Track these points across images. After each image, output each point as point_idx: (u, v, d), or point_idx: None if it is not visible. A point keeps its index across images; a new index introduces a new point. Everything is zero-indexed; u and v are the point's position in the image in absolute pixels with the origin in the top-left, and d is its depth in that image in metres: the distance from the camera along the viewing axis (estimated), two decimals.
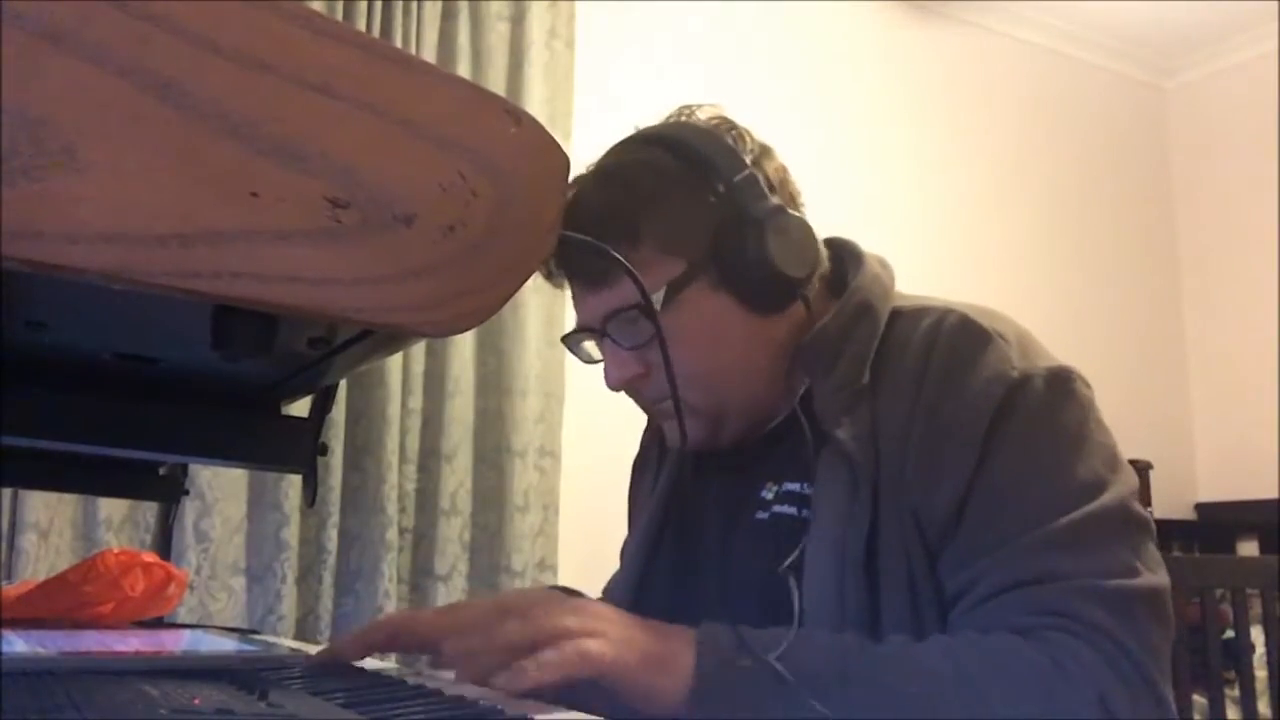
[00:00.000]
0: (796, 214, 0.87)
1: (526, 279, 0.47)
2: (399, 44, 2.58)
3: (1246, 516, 3.54)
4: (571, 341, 0.94)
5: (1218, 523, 3.66)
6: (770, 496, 0.90)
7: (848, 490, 0.82)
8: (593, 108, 2.84)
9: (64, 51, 0.35)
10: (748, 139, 0.90)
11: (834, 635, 0.77)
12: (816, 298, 0.91)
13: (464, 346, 2.59)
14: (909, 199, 3.46)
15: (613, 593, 1.05)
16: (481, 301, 0.45)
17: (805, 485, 0.87)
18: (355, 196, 0.41)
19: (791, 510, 0.87)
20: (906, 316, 0.88)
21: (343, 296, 0.41)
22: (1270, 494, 3.39)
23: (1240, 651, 1.60)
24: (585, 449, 2.71)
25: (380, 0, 2.60)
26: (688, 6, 3.17)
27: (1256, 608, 1.67)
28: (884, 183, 3.41)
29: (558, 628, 0.72)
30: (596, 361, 0.94)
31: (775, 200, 0.86)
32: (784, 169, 0.92)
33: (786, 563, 0.83)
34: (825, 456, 0.84)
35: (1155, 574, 0.77)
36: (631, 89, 2.94)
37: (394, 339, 0.57)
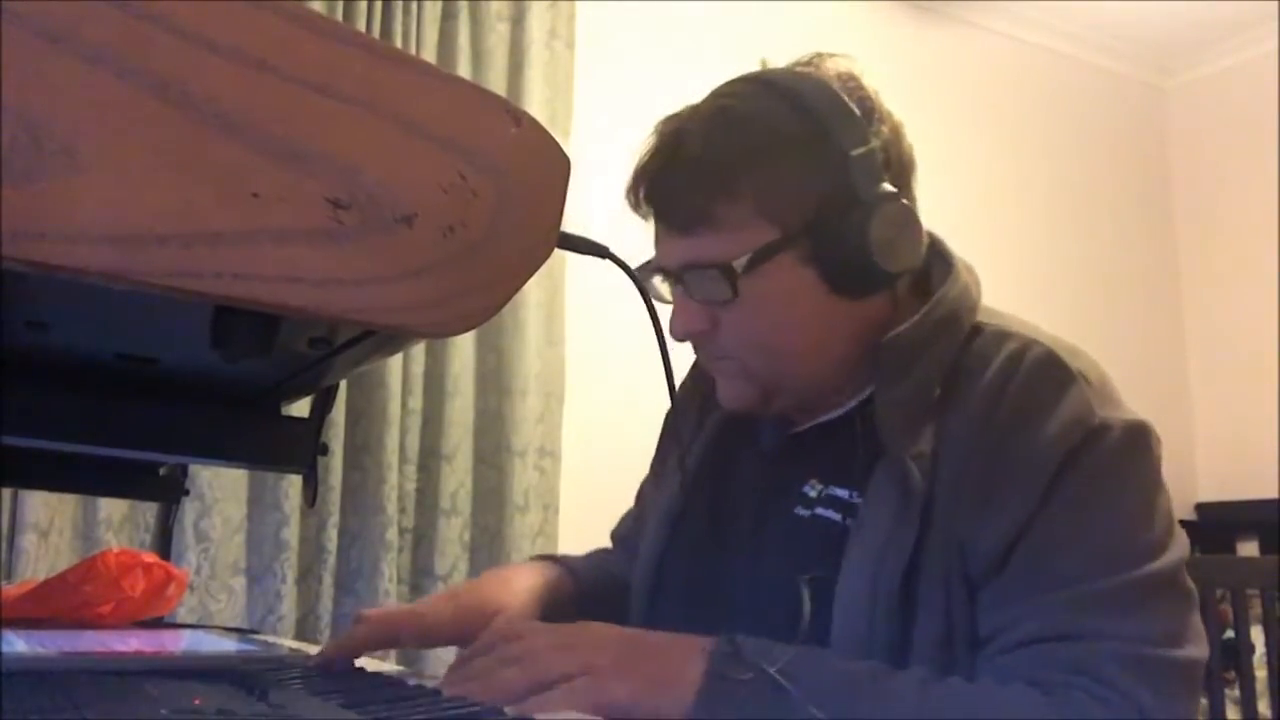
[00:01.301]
0: (906, 203, 0.83)
1: (527, 279, 0.47)
2: (399, 44, 2.58)
3: (1246, 516, 3.53)
4: (644, 272, 0.88)
5: (1218, 523, 3.66)
6: (814, 495, 0.87)
7: (897, 509, 0.78)
8: (593, 108, 2.84)
9: (64, 51, 0.35)
10: (875, 103, 0.85)
11: (852, 661, 0.75)
12: (903, 294, 0.88)
13: (464, 346, 2.59)
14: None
15: (629, 551, 1.01)
16: (482, 302, 0.45)
17: (853, 494, 0.83)
18: (356, 197, 0.41)
19: (835, 517, 0.84)
20: (988, 337, 0.84)
21: (343, 297, 0.41)
22: (1270, 494, 3.39)
23: (1240, 651, 1.60)
24: (585, 449, 2.71)
25: (380, 0, 2.60)
26: (688, 6, 3.17)
27: (1256, 608, 1.67)
28: None
29: (553, 672, 0.71)
30: (665, 301, 0.89)
31: (888, 185, 0.82)
32: (911, 154, 0.88)
33: (809, 575, 0.81)
34: (881, 470, 0.81)
35: (1196, 646, 0.75)
36: (631, 89, 2.94)
37: (394, 339, 0.57)
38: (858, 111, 0.82)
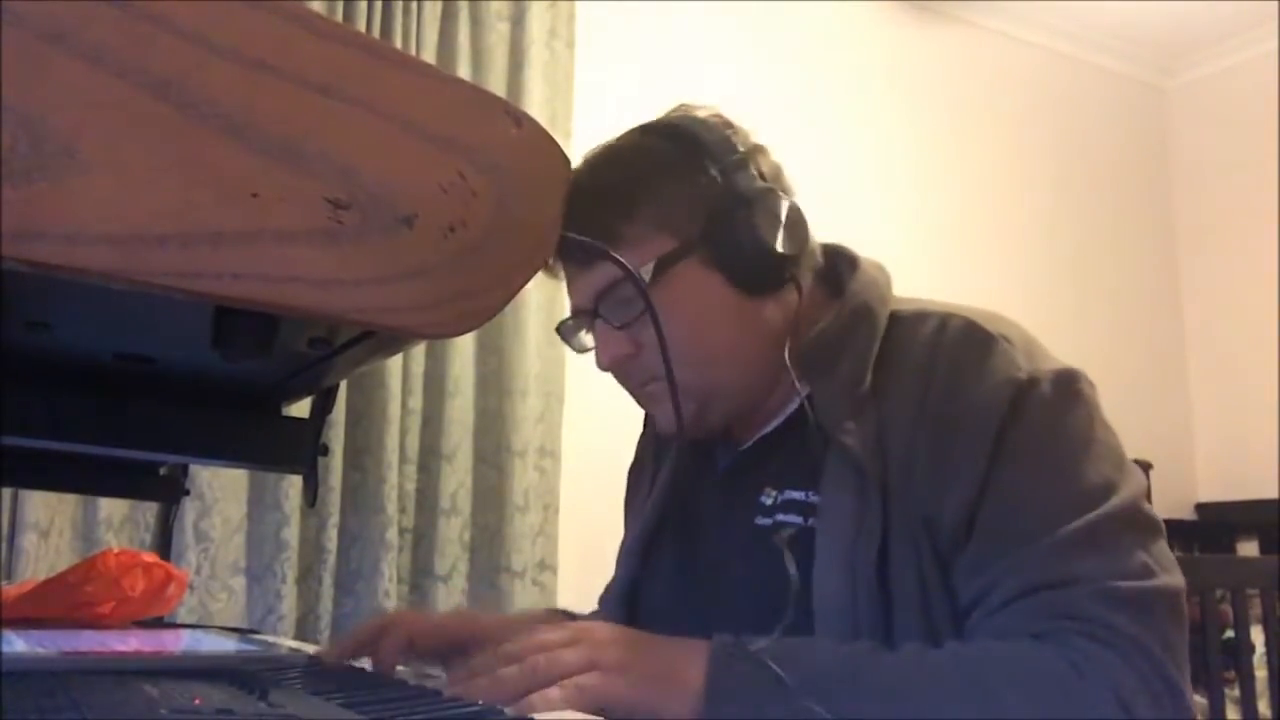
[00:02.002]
0: (783, 194, 0.87)
1: (528, 280, 0.47)
2: (399, 44, 2.58)
3: (1246, 516, 3.53)
4: (566, 330, 0.95)
5: (1218, 523, 3.66)
6: (770, 503, 0.89)
7: (856, 498, 0.81)
8: (593, 108, 2.84)
9: (64, 51, 0.35)
10: (742, 134, 0.91)
11: (846, 643, 0.76)
12: (811, 296, 0.91)
13: (464, 347, 2.59)
14: (908, 199, 3.46)
15: (608, 599, 1.05)
16: (482, 302, 0.45)
17: (809, 494, 0.85)
18: (356, 197, 0.41)
19: (796, 519, 0.86)
20: (907, 320, 0.87)
21: (343, 297, 0.41)
22: (1270, 494, 3.39)
23: (1240, 651, 1.60)
24: (585, 449, 2.71)
25: (380, 0, 2.60)
26: (688, 6, 3.17)
27: (1256, 608, 1.67)
28: (883, 183, 3.41)
29: (555, 668, 0.71)
30: (589, 350, 0.94)
31: (765, 184, 0.87)
32: (778, 165, 0.92)
33: (786, 534, 0.83)
34: (831, 462, 0.83)
35: (1170, 574, 0.77)
36: (631, 89, 2.94)
37: (395, 340, 0.57)
38: (727, 135, 0.89)
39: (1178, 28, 3.81)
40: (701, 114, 0.92)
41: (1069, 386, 0.82)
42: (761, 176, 0.88)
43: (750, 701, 0.72)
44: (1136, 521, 0.78)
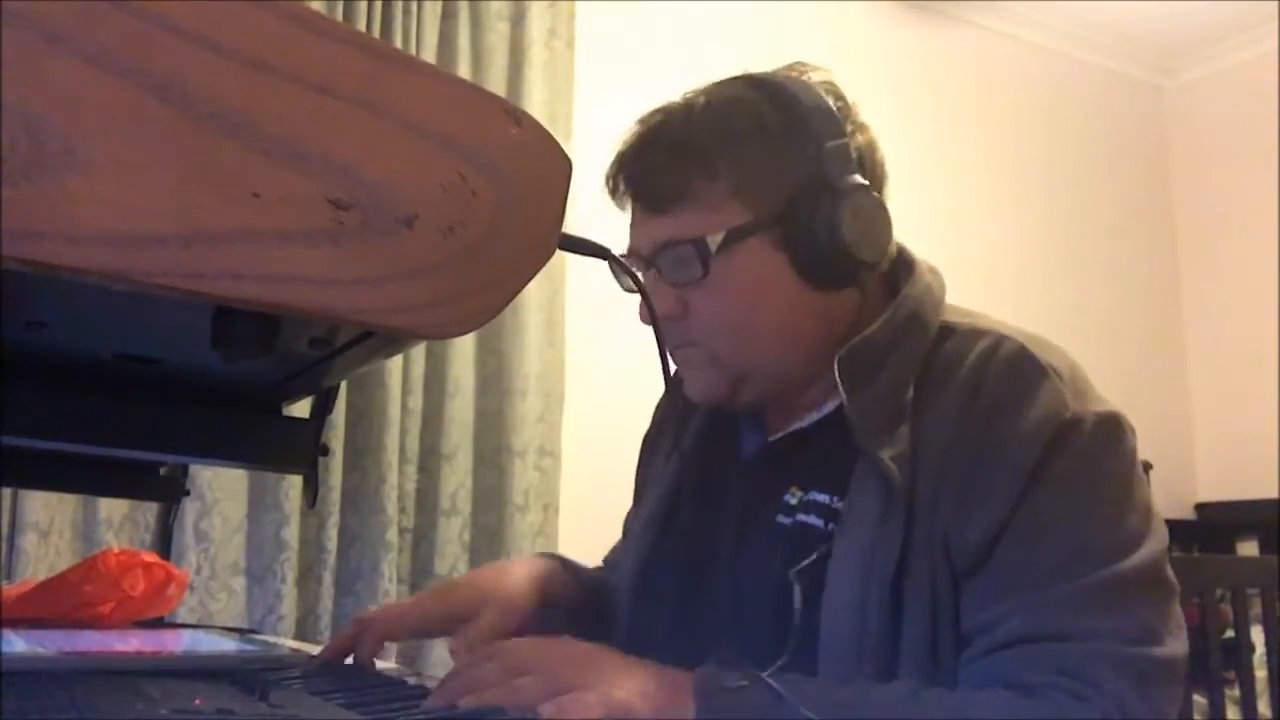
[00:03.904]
0: (877, 196, 0.85)
1: (528, 280, 0.47)
2: (399, 44, 2.58)
3: (1246, 516, 3.53)
4: (616, 267, 0.88)
5: (1218, 523, 3.66)
6: (794, 502, 0.87)
7: (881, 510, 0.79)
8: (593, 108, 2.84)
9: (64, 51, 0.35)
10: (852, 110, 0.88)
11: (833, 684, 0.75)
12: (871, 294, 0.89)
13: (464, 347, 2.59)
14: (907, 199, 3.45)
15: (618, 569, 1.02)
16: (483, 303, 0.45)
17: (834, 499, 0.84)
18: (356, 197, 0.41)
19: (818, 522, 0.84)
20: (959, 335, 0.85)
21: (344, 297, 0.41)
22: (1270, 494, 3.38)
23: (1240, 651, 1.60)
24: (585, 449, 2.71)
25: (380, 0, 2.60)
26: (688, 6, 3.17)
27: (1256, 608, 1.67)
28: None
29: (570, 682, 0.69)
30: (634, 291, 0.89)
31: (860, 178, 0.84)
32: (877, 148, 0.90)
33: (799, 565, 0.82)
34: (861, 472, 0.81)
35: (1177, 641, 0.75)
36: (631, 89, 2.94)
37: (395, 340, 0.57)
38: (834, 108, 0.85)
39: (1178, 28, 3.81)
40: (815, 78, 0.88)
41: (1111, 432, 0.80)
42: (860, 164, 0.85)
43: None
44: (1155, 581, 0.76)
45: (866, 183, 0.84)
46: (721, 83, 0.89)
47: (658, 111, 0.88)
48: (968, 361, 0.82)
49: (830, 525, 0.83)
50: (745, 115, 0.84)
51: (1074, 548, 0.75)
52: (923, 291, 0.88)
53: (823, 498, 0.85)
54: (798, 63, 0.90)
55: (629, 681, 0.71)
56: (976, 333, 0.84)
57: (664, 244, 0.85)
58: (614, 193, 0.89)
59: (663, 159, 0.85)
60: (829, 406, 0.88)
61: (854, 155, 0.84)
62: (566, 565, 1.03)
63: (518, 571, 0.96)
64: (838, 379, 0.84)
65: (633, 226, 0.90)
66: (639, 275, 0.87)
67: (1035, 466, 0.77)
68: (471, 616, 0.87)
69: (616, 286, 0.92)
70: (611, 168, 0.89)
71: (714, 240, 0.82)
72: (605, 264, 0.83)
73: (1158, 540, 0.78)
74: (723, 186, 0.83)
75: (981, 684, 0.74)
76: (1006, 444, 0.78)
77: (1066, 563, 0.75)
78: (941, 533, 0.78)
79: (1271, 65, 3.73)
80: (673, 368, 0.81)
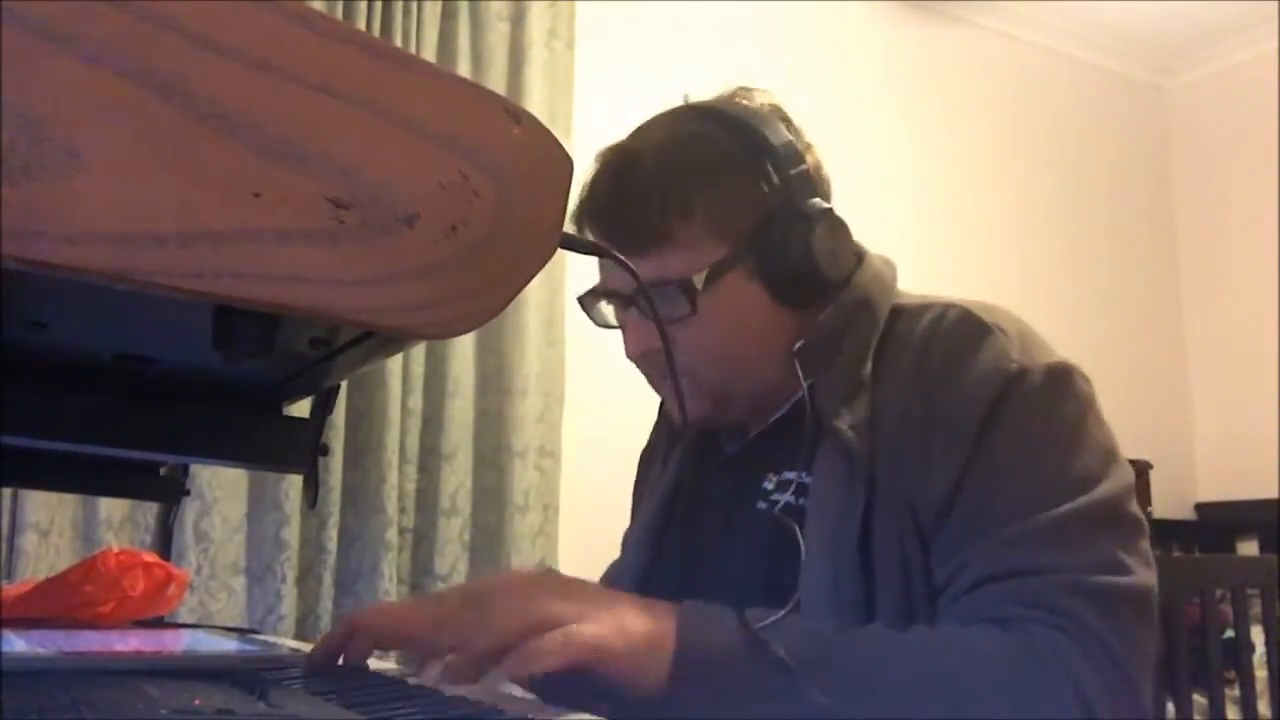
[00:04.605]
0: (839, 216, 0.88)
1: (529, 280, 0.47)
2: (399, 44, 2.58)
3: (1246, 516, 3.53)
4: (590, 302, 0.94)
5: (1218, 523, 3.66)
6: (771, 487, 0.91)
7: (844, 478, 0.82)
8: (593, 108, 2.84)
9: (64, 51, 0.35)
10: (801, 134, 0.91)
11: (815, 622, 0.77)
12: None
13: (464, 347, 2.59)
14: (907, 198, 3.46)
15: (617, 584, 1.05)
16: (484, 303, 0.45)
17: (803, 474, 0.87)
18: (357, 197, 0.41)
19: (790, 499, 0.87)
20: (909, 313, 0.88)
21: (344, 297, 0.41)
22: (1270, 494, 3.39)
23: (1240, 651, 1.60)
24: (585, 449, 2.71)
25: (380, 0, 2.60)
26: (687, 6, 3.17)
27: (1256, 608, 1.67)
28: (882, 182, 3.40)
29: (549, 615, 0.71)
30: (609, 326, 0.94)
31: (822, 201, 0.87)
32: (821, 164, 0.93)
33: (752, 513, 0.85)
34: (824, 446, 0.85)
35: (1144, 573, 0.77)
36: (631, 89, 2.94)
37: (395, 340, 0.57)
38: (789, 136, 0.88)
39: (1178, 28, 3.81)
40: (760, 100, 0.91)
41: (1060, 379, 0.82)
42: (819, 187, 0.88)
43: (718, 667, 0.72)
44: (1116, 517, 0.78)
45: (829, 206, 0.87)
46: (672, 116, 0.91)
47: (616, 150, 0.90)
48: (917, 332, 0.85)
49: (803, 500, 0.86)
50: (708, 150, 0.87)
51: (1029, 490, 0.78)
52: (871, 279, 0.91)
53: (792, 475, 0.88)
54: (740, 87, 0.93)
55: (606, 615, 0.72)
56: (925, 306, 0.88)
57: (648, 284, 0.86)
58: (579, 233, 0.91)
59: (637, 199, 0.87)
60: (796, 397, 0.91)
61: (812, 178, 0.88)
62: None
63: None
64: (802, 365, 0.87)
65: (606, 268, 0.92)
66: (636, 273, 0.88)
67: (984, 419, 0.79)
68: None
69: None
70: (577, 210, 0.90)
71: (699, 279, 0.85)
72: (605, 264, 0.84)
73: (1117, 480, 0.80)
74: (699, 223, 0.86)
75: (958, 624, 0.76)
76: (957, 401, 0.80)
77: (1023, 505, 0.77)
78: (905, 496, 0.80)
79: (1271, 65, 3.73)
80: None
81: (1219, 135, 3.95)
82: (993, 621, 0.74)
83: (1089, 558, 0.75)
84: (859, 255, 0.94)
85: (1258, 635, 1.73)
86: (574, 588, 0.78)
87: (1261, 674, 1.63)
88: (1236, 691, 1.62)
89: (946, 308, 0.86)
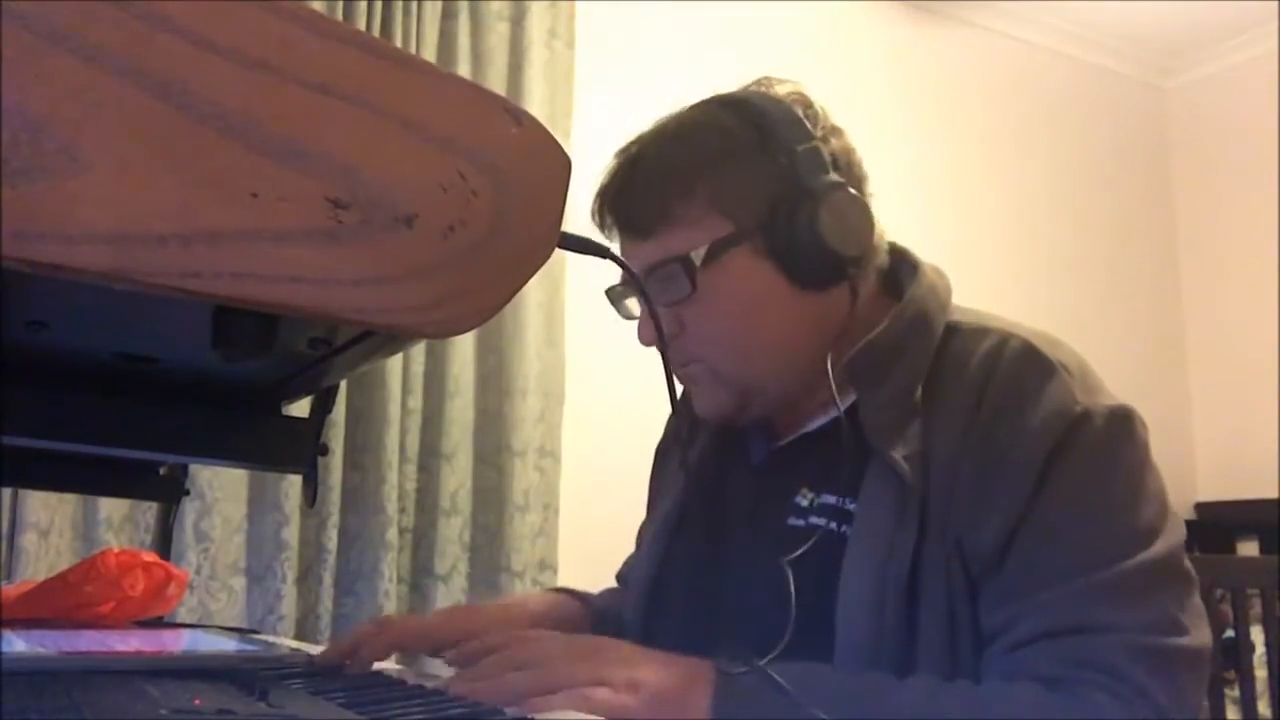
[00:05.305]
0: (856, 193, 0.86)
1: (528, 279, 0.47)
2: (399, 44, 2.58)
3: (1246, 516, 3.53)
4: (614, 295, 0.95)
5: (1218, 523, 3.66)
6: (806, 504, 0.88)
7: (895, 511, 0.79)
8: (593, 108, 2.84)
9: (64, 51, 0.35)
10: (821, 116, 0.89)
11: (856, 674, 0.75)
12: (870, 298, 0.89)
13: (464, 346, 2.59)
14: (907, 199, 3.45)
15: (631, 576, 1.04)
16: (482, 302, 0.45)
17: (844, 500, 0.84)
18: (356, 196, 0.41)
19: (831, 525, 0.84)
20: (965, 334, 0.85)
21: (343, 297, 0.41)
22: (1270, 494, 3.38)
23: (1240, 651, 1.60)
24: (585, 449, 2.71)
25: (380, 0, 2.60)
26: (688, 6, 3.17)
27: (1256, 608, 1.67)
28: (882, 182, 3.39)
29: (559, 678, 0.71)
30: (633, 318, 0.94)
31: (834, 176, 0.85)
32: (852, 151, 0.91)
33: (794, 555, 0.82)
34: (873, 473, 0.81)
35: (1200, 632, 0.75)
36: (631, 89, 2.94)
37: (395, 340, 0.57)
38: (801, 115, 0.87)
39: (1178, 28, 3.81)
40: (781, 90, 0.90)
41: (1122, 425, 0.80)
42: (834, 166, 0.86)
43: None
44: (1173, 573, 0.76)
45: (841, 180, 0.85)
46: (692, 106, 0.91)
47: (633, 142, 0.91)
48: (974, 360, 0.82)
49: (842, 527, 0.83)
50: (714, 133, 0.87)
51: (1089, 543, 0.75)
52: (927, 292, 0.88)
53: (832, 499, 0.85)
54: (764, 77, 0.93)
55: (636, 673, 0.71)
56: (983, 331, 0.85)
57: (651, 266, 0.87)
58: (601, 226, 0.91)
59: (641, 186, 0.88)
60: (836, 409, 0.88)
61: (827, 157, 0.86)
62: (575, 595, 1.07)
63: (529, 601, 1.02)
64: (850, 381, 0.84)
65: (622, 255, 0.91)
66: (638, 277, 0.88)
67: (1045, 464, 0.77)
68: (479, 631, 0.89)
69: None
70: (595, 202, 0.91)
71: (698, 255, 0.84)
72: (605, 265, 0.83)
73: (1174, 533, 0.78)
74: (700, 203, 0.85)
75: (1005, 681, 0.74)
76: (1016, 443, 0.77)
77: (1082, 558, 0.74)
78: (955, 535, 0.77)
79: (1271, 65, 3.73)
80: (678, 387, 0.82)
81: (1219, 135, 3.95)
82: (1043, 680, 0.72)
83: (1148, 616, 0.73)
84: (912, 265, 0.92)
85: (1258, 635, 1.73)
86: (603, 651, 0.76)
87: (1261, 674, 1.63)
88: (1236, 691, 1.62)
89: (1007, 336, 0.83)
